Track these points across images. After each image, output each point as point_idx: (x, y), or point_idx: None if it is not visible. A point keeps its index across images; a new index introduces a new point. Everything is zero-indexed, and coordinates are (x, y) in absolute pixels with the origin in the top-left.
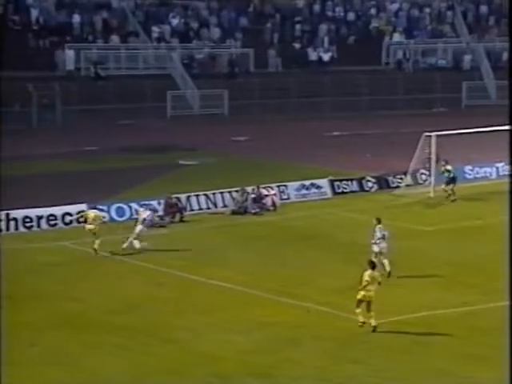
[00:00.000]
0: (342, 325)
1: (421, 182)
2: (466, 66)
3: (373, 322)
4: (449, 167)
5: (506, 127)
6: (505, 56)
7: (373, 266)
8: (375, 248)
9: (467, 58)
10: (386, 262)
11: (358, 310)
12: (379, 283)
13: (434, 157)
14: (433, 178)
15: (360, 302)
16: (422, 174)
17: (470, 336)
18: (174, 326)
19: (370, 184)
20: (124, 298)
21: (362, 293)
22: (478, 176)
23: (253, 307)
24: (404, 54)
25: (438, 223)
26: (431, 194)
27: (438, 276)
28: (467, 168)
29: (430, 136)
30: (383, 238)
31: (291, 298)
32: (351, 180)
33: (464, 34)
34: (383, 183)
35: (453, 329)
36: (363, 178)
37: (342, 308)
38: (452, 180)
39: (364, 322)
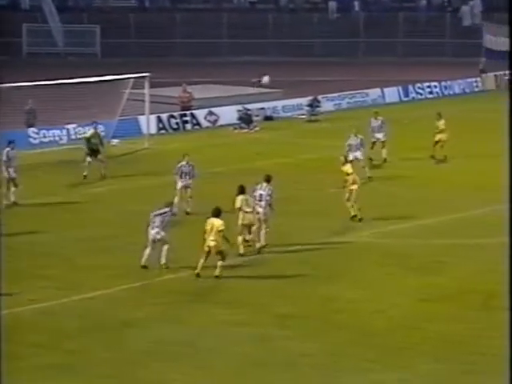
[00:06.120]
0: None
1: None
2: (25, 5)
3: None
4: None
5: (77, 80)
6: None
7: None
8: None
9: None
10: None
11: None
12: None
13: None
14: None
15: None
16: None
17: (50, 343)
18: None
19: None
20: None
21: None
22: (45, 140)
23: None
24: None
25: None
26: None
27: None
28: (31, 131)
29: None
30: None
31: None
32: None
33: None
34: None
35: (25, 335)
36: None
37: None
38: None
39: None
